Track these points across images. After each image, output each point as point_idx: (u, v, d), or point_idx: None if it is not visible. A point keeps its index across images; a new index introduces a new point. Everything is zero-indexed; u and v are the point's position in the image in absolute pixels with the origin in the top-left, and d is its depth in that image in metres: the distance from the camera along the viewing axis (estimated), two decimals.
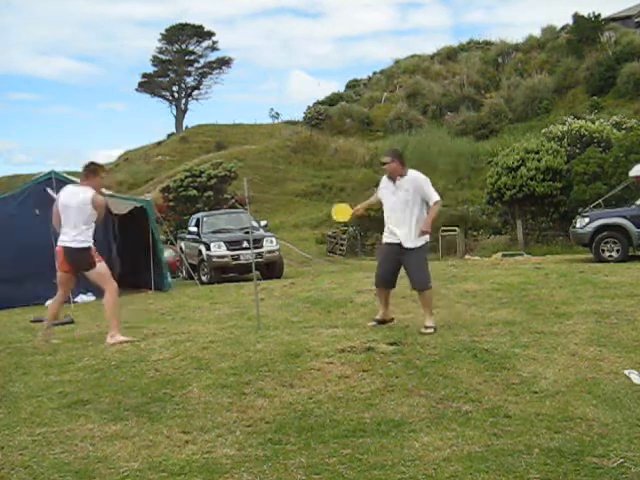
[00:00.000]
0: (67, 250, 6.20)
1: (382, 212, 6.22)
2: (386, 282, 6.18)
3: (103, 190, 6.69)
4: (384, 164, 6.10)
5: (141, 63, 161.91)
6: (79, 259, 6.21)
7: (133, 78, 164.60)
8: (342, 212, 6.67)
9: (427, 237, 6.03)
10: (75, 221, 6.15)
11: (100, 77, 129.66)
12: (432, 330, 5.80)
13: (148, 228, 13.07)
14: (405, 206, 5.94)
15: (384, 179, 6.20)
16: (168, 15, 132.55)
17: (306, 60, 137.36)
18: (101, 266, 6.29)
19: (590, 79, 41.87)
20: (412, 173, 6.02)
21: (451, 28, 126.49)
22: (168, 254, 16.77)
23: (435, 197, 5.91)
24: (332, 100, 58.52)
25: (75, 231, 6.16)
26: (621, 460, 3.12)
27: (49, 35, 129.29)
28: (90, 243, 6.25)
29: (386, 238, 6.15)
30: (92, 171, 6.26)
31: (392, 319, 6.38)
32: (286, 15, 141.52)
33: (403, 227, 5.94)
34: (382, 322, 6.29)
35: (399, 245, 5.96)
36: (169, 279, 13.86)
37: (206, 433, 3.68)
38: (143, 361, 5.24)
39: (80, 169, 6.50)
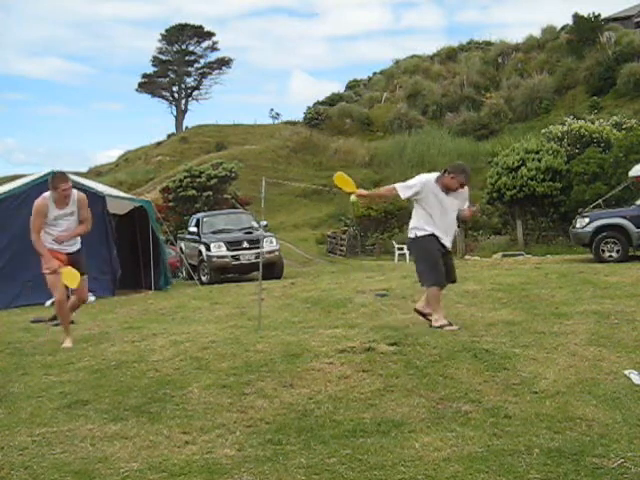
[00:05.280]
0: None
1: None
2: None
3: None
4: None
5: (139, 63, 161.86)
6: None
7: (133, 78, 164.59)
8: (344, 182, 6.18)
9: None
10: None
11: (101, 77, 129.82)
12: (438, 328, 5.68)
13: (148, 228, 13.08)
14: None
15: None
16: (160, 15, 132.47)
17: (305, 61, 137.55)
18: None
19: (590, 79, 41.87)
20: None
21: (446, 28, 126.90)
22: (168, 254, 16.86)
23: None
24: (332, 100, 58.57)
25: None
26: (621, 460, 3.12)
27: (45, 35, 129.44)
28: (50, 245, 6.18)
29: None
30: (51, 182, 6.14)
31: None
32: (281, 15, 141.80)
33: None
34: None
35: None
36: (170, 278, 14.04)
37: (206, 433, 3.68)
38: (143, 361, 5.24)
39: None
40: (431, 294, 5.89)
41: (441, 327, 5.72)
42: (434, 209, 5.90)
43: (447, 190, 5.93)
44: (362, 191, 6.19)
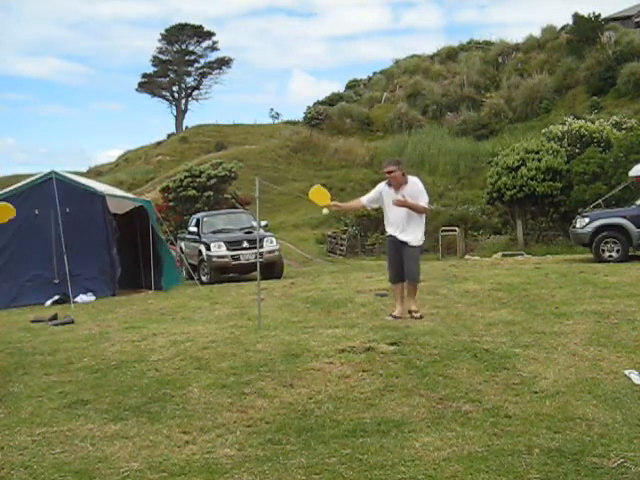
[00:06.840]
0: None
1: (382, 212, 6.71)
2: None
3: None
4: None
5: (139, 63, 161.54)
6: None
7: (133, 78, 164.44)
8: (320, 196, 6.62)
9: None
10: None
11: (101, 77, 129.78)
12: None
13: (148, 228, 13.07)
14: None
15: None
16: (160, 15, 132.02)
17: (305, 60, 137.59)
18: None
19: (590, 79, 41.84)
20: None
21: (445, 28, 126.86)
22: None
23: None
24: (332, 100, 58.49)
25: None
26: (621, 460, 3.12)
27: (45, 35, 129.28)
28: None
29: None
30: None
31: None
32: (280, 15, 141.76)
33: None
34: None
35: None
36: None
37: (206, 433, 3.68)
38: (143, 361, 5.24)
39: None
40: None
41: (391, 314, 6.70)
42: (388, 208, 6.67)
43: (397, 187, 6.58)
44: (336, 203, 6.97)
